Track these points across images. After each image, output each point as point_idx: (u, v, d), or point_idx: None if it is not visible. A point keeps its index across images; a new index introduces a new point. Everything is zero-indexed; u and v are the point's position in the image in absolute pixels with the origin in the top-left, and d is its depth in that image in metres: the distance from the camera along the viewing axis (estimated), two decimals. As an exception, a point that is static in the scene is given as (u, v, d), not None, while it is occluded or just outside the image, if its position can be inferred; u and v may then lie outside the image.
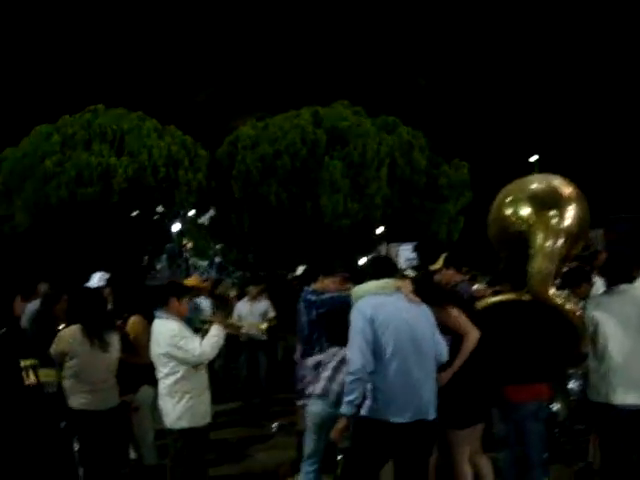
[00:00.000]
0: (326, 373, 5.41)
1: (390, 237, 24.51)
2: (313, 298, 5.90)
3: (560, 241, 5.70)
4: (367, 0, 34.73)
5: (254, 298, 10.69)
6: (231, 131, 26.53)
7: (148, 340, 5.78)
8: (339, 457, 5.78)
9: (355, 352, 4.54)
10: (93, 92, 27.69)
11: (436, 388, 4.73)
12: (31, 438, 5.02)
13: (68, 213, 22.95)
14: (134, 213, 24.74)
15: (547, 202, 5.84)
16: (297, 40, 34.01)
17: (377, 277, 4.84)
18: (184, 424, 5.52)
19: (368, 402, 4.53)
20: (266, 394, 10.63)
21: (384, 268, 4.99)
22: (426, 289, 5.23)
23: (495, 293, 6.00)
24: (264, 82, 33.15)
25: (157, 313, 5.73)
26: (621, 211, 23.79)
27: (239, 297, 11.35)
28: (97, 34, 33.09)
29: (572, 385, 7.02)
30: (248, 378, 10.76)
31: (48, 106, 26.46)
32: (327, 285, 5.93)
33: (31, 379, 5.97)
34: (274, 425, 9.29)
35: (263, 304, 10.63)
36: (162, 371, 5.58)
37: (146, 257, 27.11)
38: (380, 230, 25.63)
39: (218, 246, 29.69)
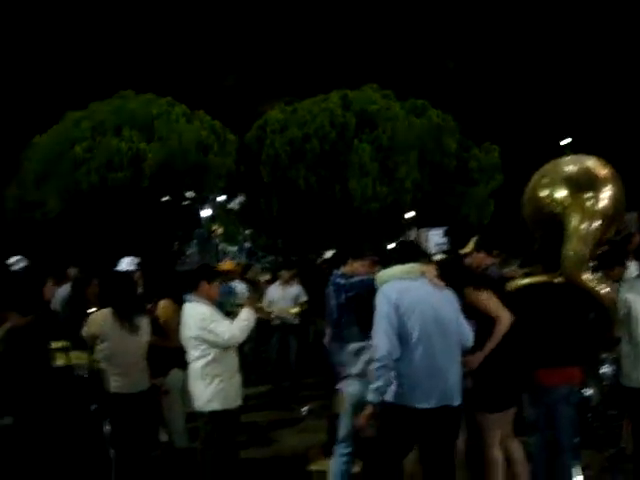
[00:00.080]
0: (365, 356, 5.40)
1: (420, 221, 24.38)
2: (342, 281, 5.88)
3: (595, 224, 5.62)
4: (396, -18, 34.45)
5: (286, 282, 10.72)
6: (260, 115, 26.48)
7: (178, 324, 5.81)
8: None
9: (381, 338, 4.51)
10: (122, 78, 27.81)
11: (461, 373, 4.69)
12: (60, 418, 5.07)
13: (99, 199, 23.12)
14: (164, 198, 24.86)
15: (582, 184, 5.75)
16: (326, 24, 33.86)
17: (402, 261, 4.81)
18: (215, 407, 5.54)
19: (393, 388, 4.50)
20: (296, 378, 10.66)
21: (409, 252, 4.96)
22: (455, 272, 5.19)
23: (526, 275, 5.94)
24: (292, 66, 33.08)
25: (187, 297, 5.75)
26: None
27: (271, 281, 11.42)
28: (127, 20, 33.22)
29: (605, 370, 6.94)
30: (278, 362, 10.79)
31: (78, 92, 26.64)
32: (356, 268, 5.90)
33: (61, 361, 6.05)
34: (304, 409, 9.32)
35: (295, 288, 10.66)
36: (193, 354, 5.60)
37: (176, 242, 27.26)
38: (410, 214, 25.50)
39: (248, 231, 29.74)
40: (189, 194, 25.81)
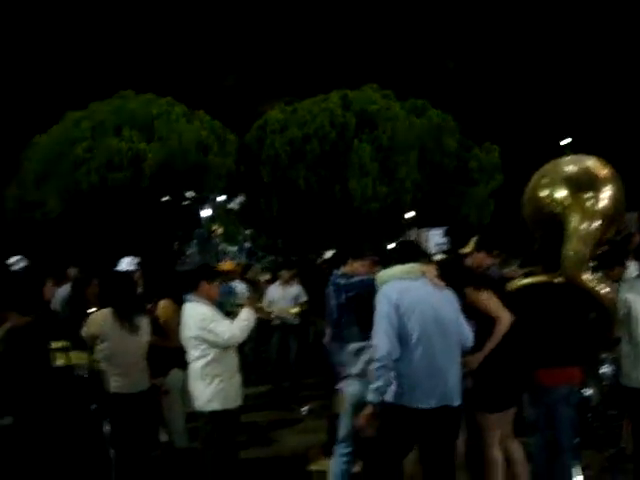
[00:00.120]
0: (365, 356, 5.40)
1: (420, 221, 24.38)
2: (342, 282, 5.88)
3: (595, 224, 5.62)
4: (396, -18, 34.44)
5: (286, 282, 10.73)
6: (260, 115, 26.49)
7: (178, 324, 5.81)
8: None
9: (381, 338, 4.51)
10: (122, 78, 27.80)
11: (460, 373, 4.68)
12: (60, 418, 5.07)
13: (99, 199, 23.12)
14: (164, 198, 24.85)
15: (583, 184, 5.74)
16: (326, 24, 33.86)
17: (402, 261, 4.81)
18: (215, 407, 5.54)
19: (393, 388, 4.50)
20: (296, 378, 10.66)
21: (410, 252, 4.96)
22: (455, 272, 5.19)
23: (526, 275, 5.94)
24: (292, 66, 33.07)
25: (187, 297, 5.76)
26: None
27: (271, 281, 11.42)
28: (127, 21, 33.20)
29: (605, 370, 6.94)
30: (278, 362, 10.79)
31: (78, 92, 26.63)
32: (356, 268, 5.90)
33: (61, 361, 6.04)
34: (304, 409, 9.32)
35: (295, 288, 10.66)
36: (193, 354, 5.60)
37: (176, 242, 27.25)
38: (410, 214, 25.50)
39: (248, 231, 29.73)
40: (189, 194, 25.80)
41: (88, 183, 23.37)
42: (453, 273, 5.10)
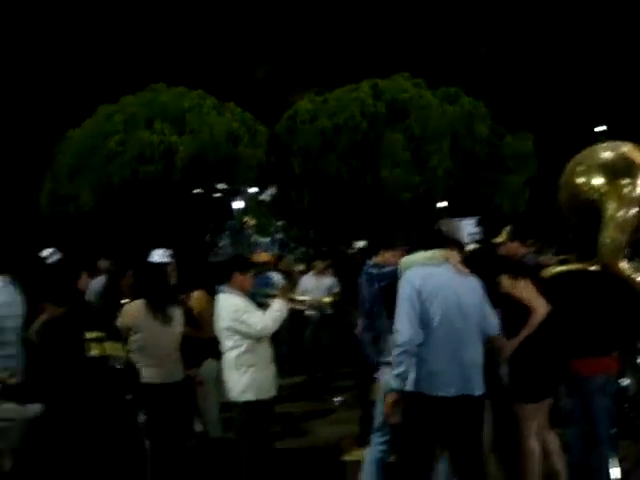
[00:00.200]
0: None
1: (453, 210, 24.20)
2: (374, 272, 5.86)
3: (632, 211, 5.54)
4: (426, -30, 34.14)
5: (320, 273, 10.74)
6: (290, 106, 26.45)
7: (211, 315, 5.83)
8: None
9: (403, 324, 4.48)
10: (154, 71, 27.94)
11: (482, 362, 4.62)
12: (94, 409, 5.11)
13: (131, 192, 23.29)
14: (196, 191, 24.96)
15: (619, 170, 5.66)
16: (356, 13, 33.68)
17: (426, 248, 4.78)
18: (249, 397, 5.55)
19: (413, 375, 4.47)
20: (329, 368, 10.66)
21: (433, 239, 4.93)
22: (490, 261, 5.14)
23: (562, 263, 5.86)
24: (322, 56, 32.95)
25: (221, 288, 5.77)
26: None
27: (305, 272, 11.44)
28: (158, 15, 33.35)
29: (642, 359, 6.84)
30: (312, 352, 10.80)
31: (110, 86, 26.83)
32: (388, 258, 5.87)
33: (96, 351, 6.11)
34: (336, 399, 9.32)
35: (328, 279, 10.67)
36: (226, 345, 5.62)
37: (208, 234, 27.38)
38: (442, 204, 25.32)
39: (279, 223, 29.77)
40: (220, 186, 25.88)
41: (120, 176, 23.54)
42: (487, 261, 5.05)
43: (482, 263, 4.91)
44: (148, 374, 5.86)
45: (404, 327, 4.46)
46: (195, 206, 24.68)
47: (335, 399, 9.37)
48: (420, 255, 4.76)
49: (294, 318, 8.66)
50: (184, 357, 6.11)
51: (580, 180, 5.83)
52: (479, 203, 23.82)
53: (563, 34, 31.05)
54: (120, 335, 6.10)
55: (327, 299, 10.24)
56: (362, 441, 6.00)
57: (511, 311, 5.04)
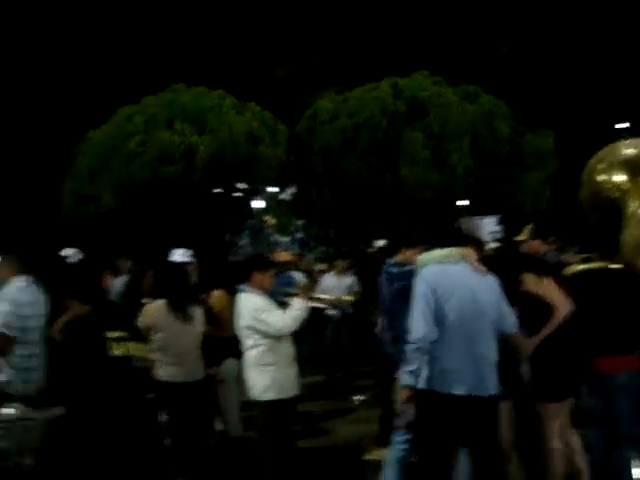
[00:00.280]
0: None
1: (473, 209, 24.10)
2: (395, 270, 5.85)
3: (655, 208, 5.47)
4: (445, -33, 34.01)
5: (341, 272, 10.75)
6: (310, 105, 26.45)
7: (231, 314, 5.85)
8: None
9: (417, 320, 4.48)
10: (174, 72, 28.05)
11: (497, 360, 4.59)
12: (116, 407, 5.15)
13: (152, 192, 23.39)
14: (216, 190, 25.02)
15: (642, 168, 5.61)
16: (375, 11, 33.63)
17: (444, 246, 4.77)
18: (270, 396, 5.56)
19: (426, 372, 4.47)
20: (350, 367, 10.66)
21: (451, 237, 4.92)
22: (512, 259, 5.12)
23: (584, 261, 5.82)
24: (342, 56, 32.93)
25: (241, 287, 5.79)
26: None
27: (326, 271, 11.46)
28: (177, 15, 33.49)
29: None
30: (332, 352, 10.80)
31: (130, 87, 26.97)
32: (409, 257, 5.86)
33: (120, 351, 6.15)
34: (356, 398, 9.32)
35: (349, 278, 10.67)
36: (247, 343, 5.64)
37: (228, 234, 27.44)
38: (463, 202, 25.21)
39: (299, 222, 29.79)
40: (240, 186, 25.93)
41: (141, 177, 23.65)
42: (510, 260, 5.03)
43: (505, 261, 4.88)
44: (169, 373, 5.89)
45: (418, 324, 4.47)
46: (215, 206, 24.75)
47: (355, 398, 9.36)
48: (437, 253, 4.76)
49: (315, 317, 8.67)
50: (205, 356, 6.15)
51: (601, 178, 5.78)
52: (500, 201, 23.69)
53: (584, 31, 30.82)
54: (143, 335, 6.14)
55: (348, 298, 10.27)
56: (382, 440, 5.99)
57: (532, 309, 5.01)
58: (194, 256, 7.95)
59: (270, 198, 28.96)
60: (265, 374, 5.54)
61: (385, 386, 6.60)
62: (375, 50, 31.99)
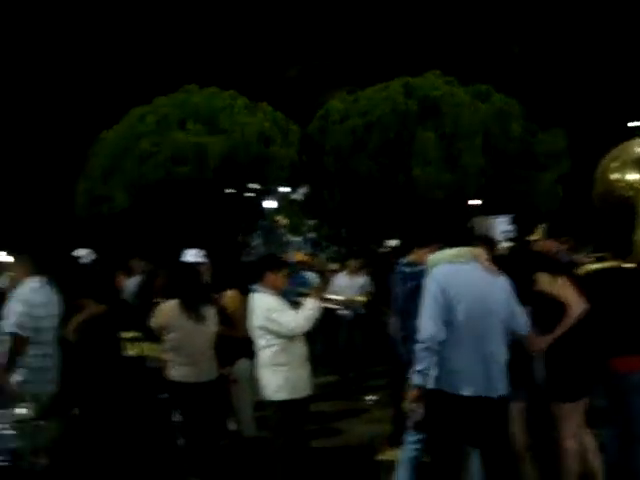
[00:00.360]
0: None
1: (486, 208, 24.02)
2: (407, 270, 5.85)
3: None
4: (457, -34, 33.92)
5: (353, 272, 10.73)
6: (322, 105, 26.44)
7: (244, 314, 5.85)
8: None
9: (426, 320, 4.48)
10: (186, 72, 28.11)
11: (506, 361, 4.56)
12: (129, 407, 5.16)
13: (164, 192, 23.44)
14: (227, 191, 25.05)
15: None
16: (384, 12, 33.59)
17: (455, 245, 4.76)
18: (283, 396, 5.57)
19: (435, 372, 4.46)
20: (362, 368, 10.65)
21: (462, 237, 4.91)
22: (526, 258, 5.10)
23: (597, 260, 5.79)
24: (354, 55, 32.91)
25: (254, 287, 5.79)
26: None
27: (338, 271, 11.45)
28: (188, 16, 33.57)
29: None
30: (345, 352, 10.80)
31: (142, 88, 27.05)
32: (421, 257, 5.85)
33: (134, 351, 6.17)
34: (369, 398, 9.32)
35: (362, 278, 10.66)
36: (260, 343, 5.64)
37: (240, 234, 27.47)
38: (475, 202, 25.13)
39: (312, 222, 29.80)
40: (252, 186, 25.95)
41: (154, 177, 23.70)
42: (523, 259, 5.01)
43: (519, 260, 4.87)
44: (182, 373, 5.91)
45: (427, 324, 4.47)
46: (227, 206, 24.79)
47: (368, 398, 9.36)
48: (447, 253, 4.75)
49: (328, 318, 8.67)
50: (218, 356, 6.15)
51: (614, 176, 5.77)
52: (512, 201, 23.60)
53: (596, 29, 30.68)
54: (157, 336, 6.16)
55: (360, 298, 10.26)
56: (395, 440, 5.99)
57: (546, 308, 4.99)
58: (207, 256, 7.97)
59: (282, 198, 28.98)
60: (278, 374, 5.55)
61: (397, 386, 6.60)
62: (386, 50, 31.96)
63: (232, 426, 6.91)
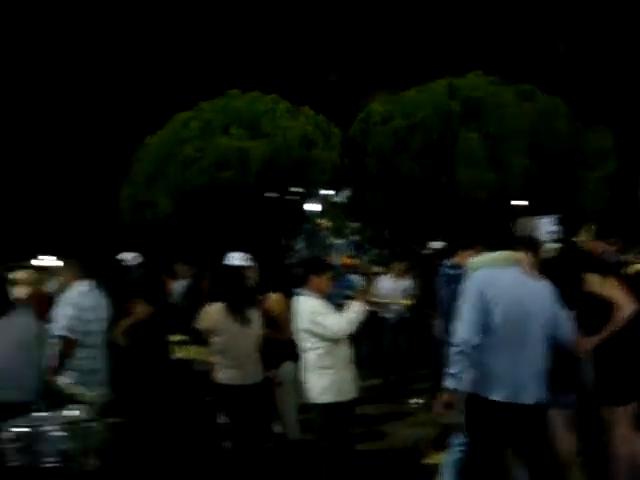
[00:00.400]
0: None
1: (531, 208, 23.72)
2: (452, 272, 5.82)
3: None
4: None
5: (398, 275, 10.70)
6: (362, 108, 26.41)
7: (289, 317, 5.87)
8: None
9: (462, 324, 4.45)
10: (229, 77, 28.33)
11: (544, 368, 4.49)
12: (176, 409, 5.21)
13: (207, 197, 23.61)
14: (270, 194, 25.15)
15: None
16: (427, 12, 33.43)
17: (497, 249, 4.71)
18: (328, 398, 5.57)
19: (469, 376, 4.42)
20: (407, 371, 10.61)
21: (505, 240, 4.86)
22: (576, 259, 5.04)
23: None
24: (395, 57, 32.81)
25: (298, 290, 5.81)
26: None
27: (382, 274, 11.44)
28: (231, 23, 33.84)
29: None
30: (390, 355, 10.77)
31: (186, 94, 27.32)
32: (465, 259, 5.81)
33: (182, 354, 6.23)
34: (414, 401, 9.28)
35: (406, 281, 10.63)
36: (304, 346, 5.66)
37: (283, 238, 27.55)
38: (520, 202, 24.84)
39: (354, 224, 29.77)
40: (295, 189, 26.02)
41: (198, 182, 23.89)
42: (572, 260, 4.94)
43: (569, 261, 4.80)
44: (228, 376, 5.94)
45: (462, 328, 4.45)
46: (270, 210, 24.88)
47: (413, 401, 9.32)
48: (489, 257, 4.72)
49: (372, 321, 8.66)
50: (263, 359, 6.18)
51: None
52: (558, 201, 23.28)
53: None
54: (204, 339, 6.21)
55: (404, 301, 10.22)
56: (439, 444, 5.95)
57: (595, 309, 4.92)
58: (253, 260, 8.01)
59: (324, 201, 29.00)
60: (323, 377, 5.55)
61: (442, 389, 6.56)
62: (428, 51, 31.80)
63: (277, 429, 6.94)
